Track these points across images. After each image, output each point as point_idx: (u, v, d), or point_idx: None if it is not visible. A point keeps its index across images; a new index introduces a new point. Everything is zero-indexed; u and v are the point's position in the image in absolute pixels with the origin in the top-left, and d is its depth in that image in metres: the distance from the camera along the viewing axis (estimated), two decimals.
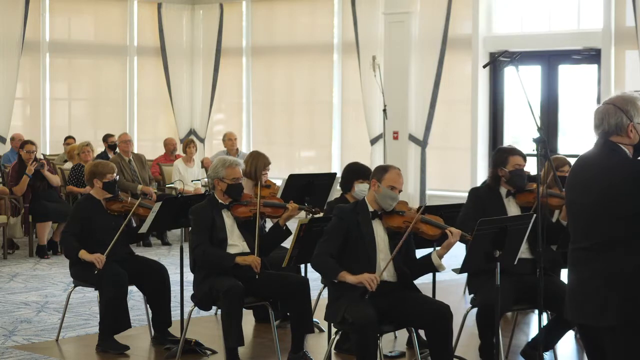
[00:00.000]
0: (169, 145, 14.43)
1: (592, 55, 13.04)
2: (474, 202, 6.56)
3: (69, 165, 12.63)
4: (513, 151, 6.57)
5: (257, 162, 7.97)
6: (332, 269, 5.83)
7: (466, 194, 6.86)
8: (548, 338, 6.25)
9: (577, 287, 4.31)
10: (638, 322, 4.16)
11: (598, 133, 4.30)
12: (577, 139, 13.63)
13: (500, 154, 6.60)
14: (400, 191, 5.97)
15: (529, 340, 6.69)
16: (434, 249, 6.08)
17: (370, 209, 5.98)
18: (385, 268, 5.80)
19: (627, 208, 4.13)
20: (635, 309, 4.14)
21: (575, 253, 4.32)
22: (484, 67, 7.65)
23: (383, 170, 6.01)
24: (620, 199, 4.14)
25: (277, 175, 8.69)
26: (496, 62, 11.84)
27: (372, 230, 5.94)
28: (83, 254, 7.08)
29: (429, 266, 5.95)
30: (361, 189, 7.14)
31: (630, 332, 4.17)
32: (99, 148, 14.18)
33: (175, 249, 11.60)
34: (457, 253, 6.09)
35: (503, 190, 6.58)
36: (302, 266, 7.57)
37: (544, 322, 6.15)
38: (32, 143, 11.61)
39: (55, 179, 11.59)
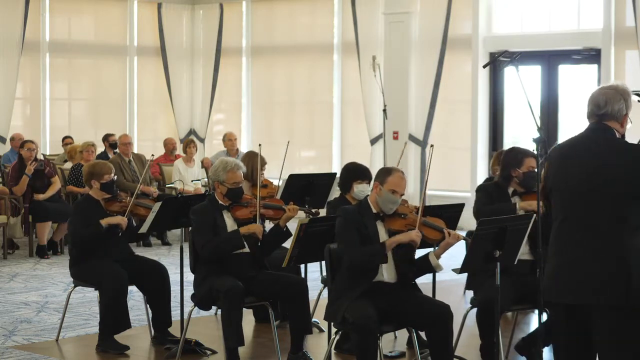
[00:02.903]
0: (168, 145, 14.42)
1: (592, 55, 13.04)
2: (486, 198, 6.59)
3: (69, 165, 12.62)
4: (528, 153, 6.62)
5: (254, 163, 7.95)
6: (374, 251, 5.81)
7: (466, 194, 6.89)
8: (547, 335, 6.25)
9: (575, 266, 4.28)
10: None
11: (597, 115, 4.37)
12: None
13: (516, 155, 6.64)
14: (402, 195, 5.96)
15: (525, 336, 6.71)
16: (434, 249, 6.07)
17: (374, 210, 5.97)
18: (419, 223, 5.83)
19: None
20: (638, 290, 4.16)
21: (573, 231, 4.30)
22: (484, 67, 7.66)
23: (386, 173, 5.99)
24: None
25: (277, 175, 8.68)
26: (496, 62, 11.83)
27: (376, 231, 5.93)
28: (104, 221, 7.11)
29: (426, 266, 5.95)
30: (360, 189, 7.13)
31: (633, 314, 4.17)
32: (99, 148, 14.16)
33: (175, 249, 11.60)
34: (457, 253, 6.09)
35: (510, 190, 6.62)
36: (302, 266, 7.57)
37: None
38: (32, 142, 11.60)
39: (55, 186, 11.54)
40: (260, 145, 7.43)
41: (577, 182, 4.31)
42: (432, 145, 6.38)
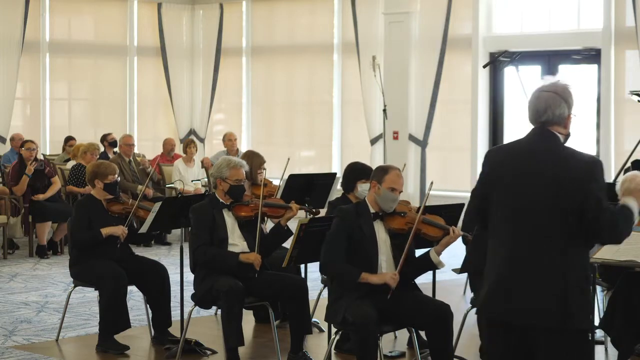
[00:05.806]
0: (166, 145, 14.38)
1: (592, 55, 13.05)
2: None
3: (69, 165, 12.59)
4: None
5: (253, 162, 7.98)
6: (350, 273, 5.83)
7: (466, 194, 6.89)
8: None
9: (514, 284, 4.01)
10: (589, 328, 4.02)
11: (539, 121, 4.09)
12: (577, 138, 13.62)
13: None
14: (400, 192, 5.97)
15: None
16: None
17: (372, 210, 5.97)
18: (400, 265, 5.80)
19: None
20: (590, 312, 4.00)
21: (514, 245, 4.03)
22: (484, 67, 7.67)
23: (383, 171, 6.00)
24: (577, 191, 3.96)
25: (278, 175, 8.69)
26: (496, 62, 11.85)
27: (374, 231, 5.93)
28: (105, 230, 7.13)
29: (427, 264, 5.95)
30: (364, 189, 7.11)
31: (584, 338, 4.00)
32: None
33: (175, 249, 11.60)
34: (457, 253, 6.09)
35: None
36: (302, 266, 7.57)
37: None
38: (32, 142, 11.59)
39: (56, 186, 11.53)
40: (265, 162, 7.49)
41: (517, 193, 4.03)
42: (432, 182, 6.41)
